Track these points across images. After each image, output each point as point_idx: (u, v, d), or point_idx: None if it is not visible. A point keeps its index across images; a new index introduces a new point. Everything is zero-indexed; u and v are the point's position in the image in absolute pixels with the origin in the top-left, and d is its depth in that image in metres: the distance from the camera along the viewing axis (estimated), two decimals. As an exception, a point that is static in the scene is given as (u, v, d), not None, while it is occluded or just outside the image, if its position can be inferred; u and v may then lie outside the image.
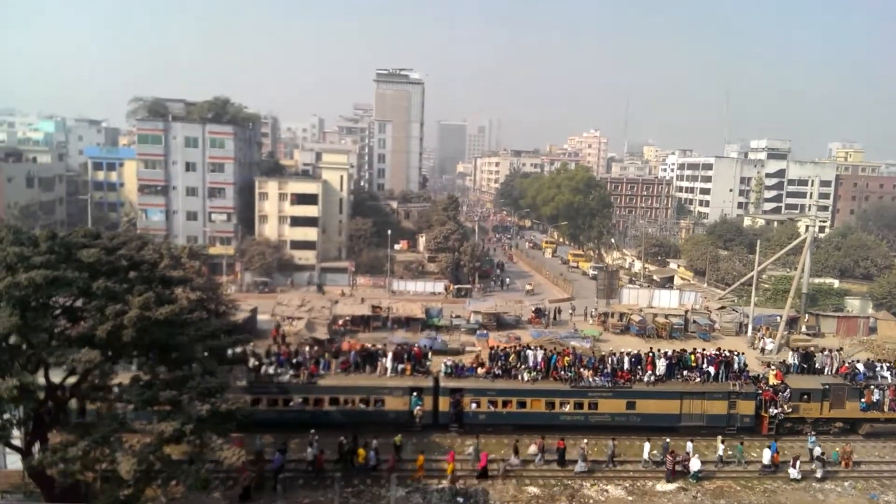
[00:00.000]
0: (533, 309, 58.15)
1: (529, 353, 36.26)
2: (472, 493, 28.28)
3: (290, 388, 32.55)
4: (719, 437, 32.82)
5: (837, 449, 33.13)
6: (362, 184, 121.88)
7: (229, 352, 27.53)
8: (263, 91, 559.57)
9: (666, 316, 55.31)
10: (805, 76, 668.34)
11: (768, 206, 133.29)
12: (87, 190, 79.98)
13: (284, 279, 70.07)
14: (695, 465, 30.41)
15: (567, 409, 34.12)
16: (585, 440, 31.81)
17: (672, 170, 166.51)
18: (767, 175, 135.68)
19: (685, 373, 35.86)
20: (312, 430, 29.80)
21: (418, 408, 33.06)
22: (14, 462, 25.09)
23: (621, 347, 41.97)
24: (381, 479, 28.74)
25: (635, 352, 37.38)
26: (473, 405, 33.56)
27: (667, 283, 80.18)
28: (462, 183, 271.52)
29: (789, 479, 30.56)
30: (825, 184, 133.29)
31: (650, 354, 36.63)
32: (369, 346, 37.84)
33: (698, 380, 35.32)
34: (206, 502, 26.03)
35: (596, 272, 79.31)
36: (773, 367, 38.14)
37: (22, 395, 19.31)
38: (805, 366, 38.85)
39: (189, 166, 71.57)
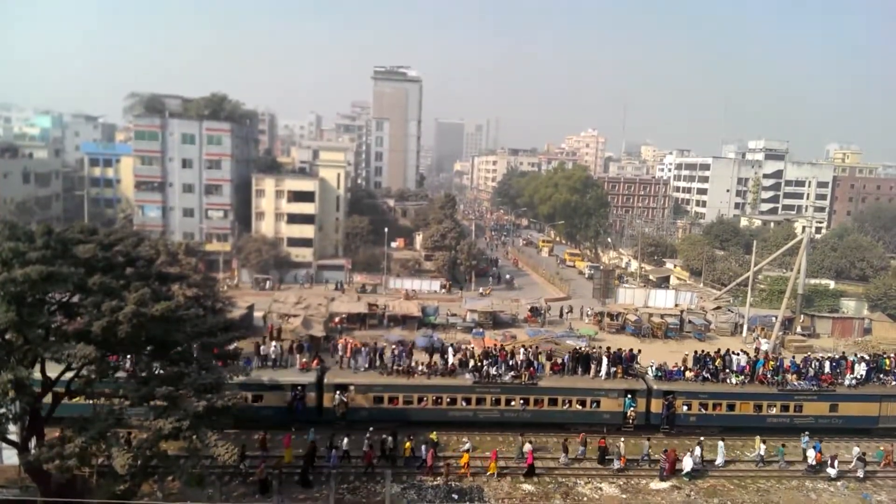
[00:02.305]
0: (529, 308, 58.24)
1: (734, 357, 38.28)
2: (467, 489, 28.37)
3: (513, 388, 33.88)
4: (758, 438, 33.24)
5: (882, 448, 33.40)
6: (359, 181, 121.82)
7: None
8: (261, 88, 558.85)
9: (662, 316, 55.47)
10: (803, 77, 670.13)
11: (765, 206, 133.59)
12: (83, 186, 79.73)
13: (282, 276, 70.05)
14: (687, 464, 30.55)
15: (773, 411, 35.25)
16: (622, 439, 32.19)
17: (669, 170, 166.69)
18: (765, 176, 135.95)
19: (881, 376, 37.45)
20: (371, 428, 30.67)
21: (632, 409, 34.30)
22: (10, 457, 25.14)
23: (618, 346, 42.11)
24: (376, 475, 28.83)
25: (836, 356, 38.73)
26: (685, 407, 34.72)
27: (663, 282, 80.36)
28: (459, 181, 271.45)
29: (829, 478, 30.98)
30: (822, 185, 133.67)
31: (850, 359, 38.14)
32: (586, 349, 39.14)
33: (894, 383, 37.00)
34: (203, 497, 26.09)
35: (592, 272, 79.51)
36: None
37: (18, 390, 19.34)
38: None
39: (186, 163, 71.46)
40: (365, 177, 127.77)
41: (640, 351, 39.30)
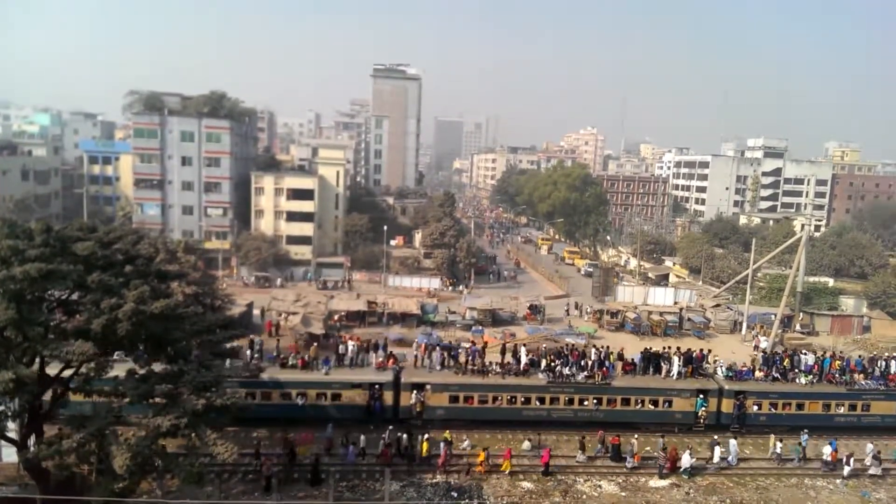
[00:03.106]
0: (528, 305, 58.25)
1: (803, 357, 38.59)
2: (465, 487, 28.38)
3: (586, 388, 34.24)
4: (772, 436, 33.46)
5: None
6: (359, 179, 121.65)
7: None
8: (260, 86, 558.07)
9: (661, 313, 55.50)
10: (802, 75, 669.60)
11: (764, 204, 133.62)
12: (82, 184, 79.59)
13: (281, 273, 70.02)
14: (686, 461, 30.58)
15: (842, 410, 35.80)
16: (636, 436, 32.35)
17: (668, 168, 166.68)
18: (764, 174, 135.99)
19: None
20: (391, 427, 30.76)
21: (703, 409, 34.77)
22: (10, 455, 25.14)
23: (616, 344, 42.19)
24: (375, 473, 28.84)
25: None
26: (755, 407, 35.27)
27: (662, 280, 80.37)
28: (458, 179, 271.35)
29: (843, 476, 31.13)
30: (821, 183, 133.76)
31: None
32: (657, 349, 39.17)
33: None
34: (201, 496, 26.09)
35: (591, 269, 79.53)
36: None
37: (17, 387, 19.31)
38: None
39: (185, 161, 71.37)
40: (364, 174, 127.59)
41: (709, 351, 40.00)
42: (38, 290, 20.94)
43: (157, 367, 22.80)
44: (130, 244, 25.75)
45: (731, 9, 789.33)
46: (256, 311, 50.93)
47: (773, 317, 53.31)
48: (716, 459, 31.52)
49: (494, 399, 33.93)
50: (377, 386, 33.53)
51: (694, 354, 37.55)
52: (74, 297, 22.62)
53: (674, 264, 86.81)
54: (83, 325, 21.14)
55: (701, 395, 34.89)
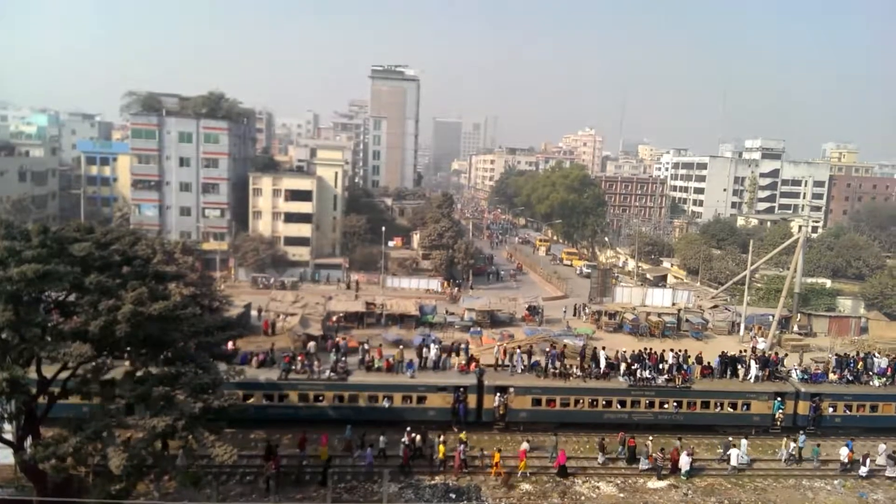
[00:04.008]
0: (526, 306, 58.23)
1: (875, 359, 39.52)
2: (464, 489, 28.35)
3: (667, 391, 34.78)
4: (784, 439, 33.59)
5: None
6: (357, 180, 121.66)
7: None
8: (258, 86, 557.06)
9: (659, 314, 55.51)
10: (800, 77, 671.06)
11: (762, 205, 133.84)
12: (79, 184, 79.50)
13: (278, 275, 69.94)
14: (684, 462, 30.56)
15: None
16: (651, 437, 32.44)
17: (666, 169, 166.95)
18: (761, 175, 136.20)
19: None
20: (409, 428, 30.73)
21: (780, 411, 35.30)
22: (6, 457, 25.02)
23: (615, 346, 42.20)
24: (374, 475, 28.79)
25: None
26: (830, 409, 35.78)
27: (660, 281, 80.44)
28: (457, 180, 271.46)
29: (859, 476, 31.26)
30: (819, 184, 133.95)
31: None
32: (733, 353, 39.47)
33: None
34: (199, 497, 26.03)
35: (590, 270, 79.57)
36: None
37: (13, 389, 19.24)
38: None
39: (183, 161, 71.22)
40: (362, 175, 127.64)
41: (786, 354, 40.61)
42: (35, 291, 20.87)
43: (155, 368, 22.73)
44: (128, 245, 25.72)
45: (730, 10, 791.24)
46: (254, 312, 50.90)
47: (770, 318, 53.37)
48: (733, 462, 31.49)
49: (576, 402, 34.33)
50: (462, 389, 33.81)
51: (770, 358, 38.15)
52: (71, 298, 22.55)
53: (672, 265, 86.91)
54: (80, 326, 21.07)
55: (778, 398, 35.45)
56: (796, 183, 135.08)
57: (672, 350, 39.16)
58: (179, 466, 20.93)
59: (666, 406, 34.75)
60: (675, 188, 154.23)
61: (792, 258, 56.95)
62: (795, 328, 56.85)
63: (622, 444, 31.98)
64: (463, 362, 36.10)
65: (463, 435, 31.18)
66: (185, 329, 23.96)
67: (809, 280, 68.54)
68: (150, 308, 21.17)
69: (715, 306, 61.25)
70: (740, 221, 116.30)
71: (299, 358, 34.54)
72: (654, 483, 30.14)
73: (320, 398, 32.78)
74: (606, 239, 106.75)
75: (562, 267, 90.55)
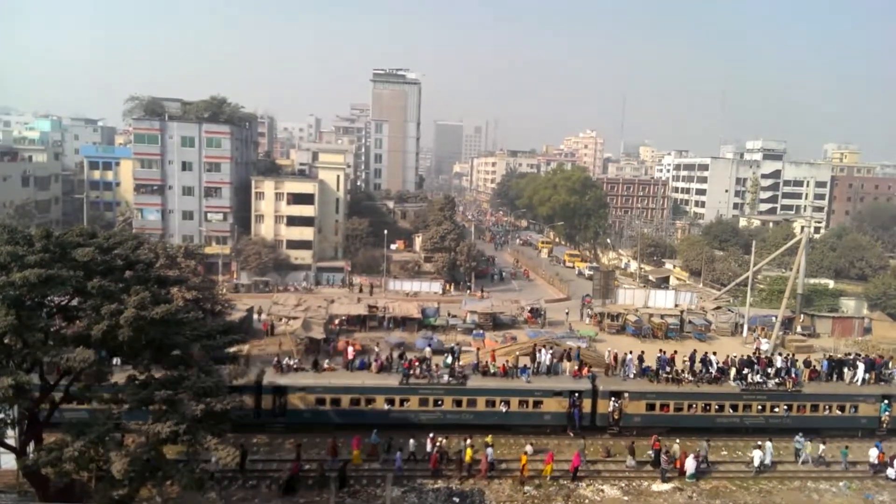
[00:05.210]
0: (529, 309, 58.14)
1: None
2: (468, 492, 28.27)
3: (779, 395, 34.96)
4: (808, 443, 33.30)
5: None
6: (359, 183, 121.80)
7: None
8: (260, 91, 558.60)
9: (662, 316, 55.39)
10: (801, 77, 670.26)
11: (764, 206, 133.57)
12: (82, 189, 79.72)
13: (281, 278, 69.97)
14: (690, 465, 30.44)
15: None
16: (677, 441, 32.36)
17: (668, 170, 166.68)
18: (763, 176, 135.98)
19: None
20: (432, 434, 30.92)
21: (886, 414, 35.60)
22: (8, 462, 25.01)
23: (618, 348, 42.08)
24: (376, 478, 28.71)
25: None
26: None
27: (662, 283, 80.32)
28: (459, 183, 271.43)
29: (890, 477, 31.20)
30: (821, 185, 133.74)
31: None
32: (840, 355, 40.19)
33: None
34: (204, 502, 26.00)
35: (592, 272, 79.50)
36: None
37: (16, 394, 19.24)
38: None
39: (185, 165, 71.40)
40: (364, 179, 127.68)
41: (892, 357, 40.54)
42: (38, 295, 20.87)
43: (158, 372, 22.73)
44: (130, 249, 25.67)
45: (730, 11, 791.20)
46: (256, 316, 50.90)
47: (773, 319, 53.20)
48: (756, 463, 31.40)
49: (689, 406, 34.44)
50: (577, 394, 34.06)
51: (874, 360, 38.33)
52: (74, 302, 22.55)
53: (674, 267, 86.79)
54: (83, 331, 21.06)
55: (885, 401, 35.58)
56: (798, 184, 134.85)
57: (780, 354, 39.58)
58: (183, 471, 20.87)
59: (776, 410, 34.93)
60: (676, 189, 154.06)
61: (794, 259, 56.81)
62: (799, 329, 56.70)
63: (652, 448, 31.65)
64: (575, 367, 36.34)
65: (489, 438, 31.21)
66: (188, 333, 23.95)
67: (812, 281, 68.39)
68: (153, 312, 21.17)
69: (718, 307, 61.11)
70: (742, 222, 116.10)
71: (414, 363, 34.92)
72: (658, 486, 30.01)
73: (439, 402, 33.22)
74: (608, 241, 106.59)
75: (564, 269, 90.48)
